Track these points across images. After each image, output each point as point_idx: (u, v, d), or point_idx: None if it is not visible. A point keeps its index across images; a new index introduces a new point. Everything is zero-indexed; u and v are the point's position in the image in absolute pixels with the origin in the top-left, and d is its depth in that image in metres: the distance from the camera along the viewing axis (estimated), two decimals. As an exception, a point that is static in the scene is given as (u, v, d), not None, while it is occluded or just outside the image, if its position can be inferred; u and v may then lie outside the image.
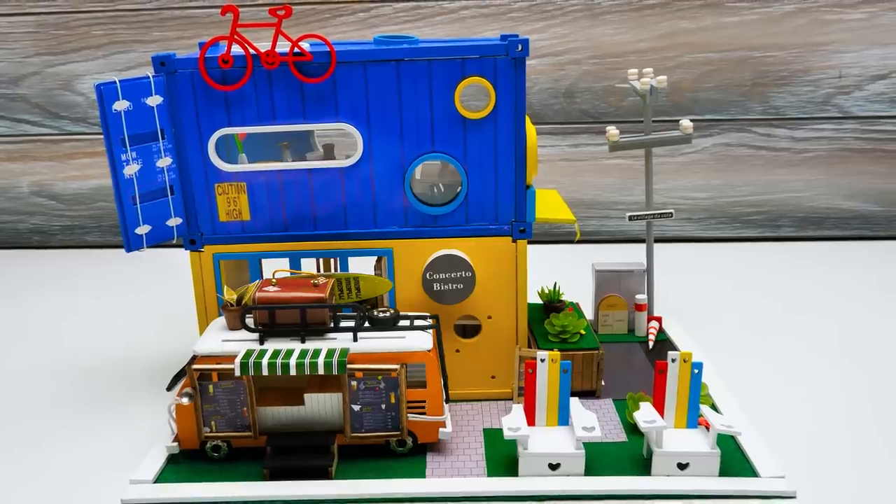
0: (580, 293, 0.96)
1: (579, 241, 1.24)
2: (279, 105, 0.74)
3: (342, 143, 0.90)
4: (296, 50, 0.72)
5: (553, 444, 0.68)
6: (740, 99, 1.30)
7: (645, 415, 0.68)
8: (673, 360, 0.69)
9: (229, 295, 0.73)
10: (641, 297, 0.93)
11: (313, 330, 0.70)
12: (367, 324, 0.72)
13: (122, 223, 0.75)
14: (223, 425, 0.70)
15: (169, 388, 0.85)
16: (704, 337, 0.95)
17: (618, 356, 0.88)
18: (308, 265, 0.84)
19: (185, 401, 0.68)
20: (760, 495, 0.64)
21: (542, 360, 0.70)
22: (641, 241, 1.13)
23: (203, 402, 0.69)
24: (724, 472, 0.66)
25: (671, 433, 0.68)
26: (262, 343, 0.69)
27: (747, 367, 0.88)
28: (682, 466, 0.66)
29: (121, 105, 0.72)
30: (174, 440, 0.71)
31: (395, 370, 0.68)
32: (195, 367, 0.69)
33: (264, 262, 0.81)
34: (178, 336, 0.98)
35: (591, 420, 0.68)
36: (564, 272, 1.01)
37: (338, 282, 0.78)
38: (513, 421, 0.68)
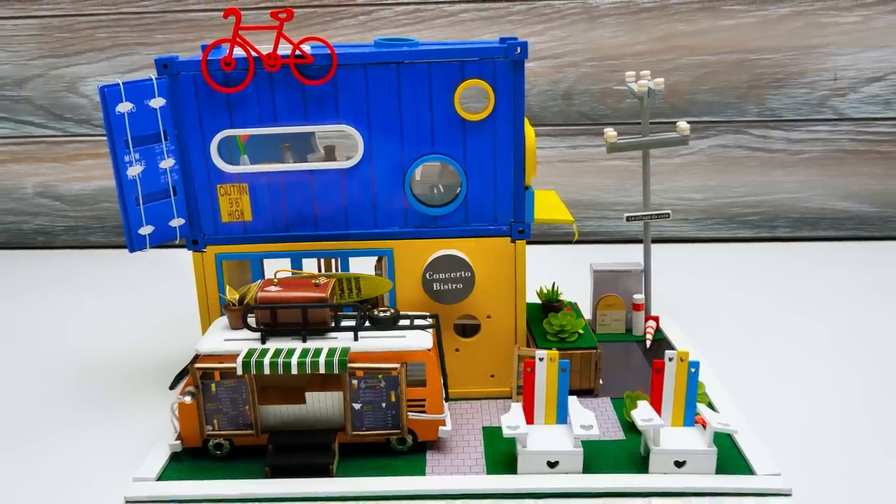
0: (578, 293, 0.97)
1: (577, 242, 1.25)
2: (281, 107, 0.75)
3: (343, 144, 0.91)
4: (297, 52, 0.73)
5: (551, 442, 0.68)
6: (737, 101, 1.31)
7: (642, 413, 0.68)
8: (670, 359, 0.69)
9: (231, 295, 0.73)
10: (639, 297, 0.93)
11: (314, 329, 0.70)
12: (367, 323, 0.72)
13: (126, 224, 0.75)
14: (225, 423, 0.70)
15: (172, 387, 0.86)
16: (701, 336, 0.95)
17: (615, 355, 0.89)
18: (309, 265, 0.84)
19: (187, 399, 0.69)
20: (757, 493, 0.65)
21: (541, 359, 0.70)
22: (639, 241, 1.13)
23: (205, 401, 0.70)
24: (720, 470, 0.67)
25: (668, 431, 0.69)
26: (263, 342, 0.70)
27: (744, 366, 0.88)
28: (678, 464, 0.67)
29: (124, 107, 0.73)
30: (177, 438, 0.71)
31: (395, 369, 0.68)
32: (198, 366, 0.69)
33: (266, 262, 0.81)
34: (180, 335, 0.99)
35: (590, 418, 0.68)
36: (563, 272, 1.02)
37: (339, 282, 0.78)
38: (512, 419, 0.68)
